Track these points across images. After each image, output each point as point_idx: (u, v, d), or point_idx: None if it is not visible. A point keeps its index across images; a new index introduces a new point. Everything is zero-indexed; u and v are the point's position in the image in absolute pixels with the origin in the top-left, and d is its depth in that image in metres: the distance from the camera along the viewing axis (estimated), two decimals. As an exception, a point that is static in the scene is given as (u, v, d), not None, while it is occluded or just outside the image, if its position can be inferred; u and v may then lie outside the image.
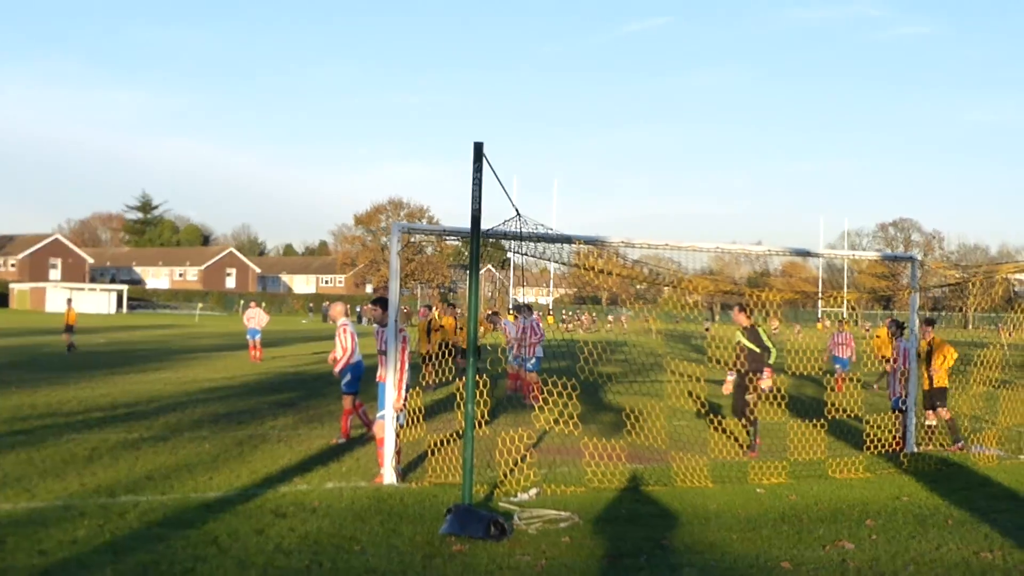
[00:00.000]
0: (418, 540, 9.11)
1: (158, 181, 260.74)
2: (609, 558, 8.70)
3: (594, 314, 76.61)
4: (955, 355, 16.23)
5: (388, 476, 11.90)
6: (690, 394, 18.01)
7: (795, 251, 15.08)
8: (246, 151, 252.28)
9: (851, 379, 26.48)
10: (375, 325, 13.11)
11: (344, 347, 15.62)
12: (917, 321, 15.72)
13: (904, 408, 15.63)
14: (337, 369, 15.69)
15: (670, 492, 11.83)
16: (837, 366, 27.07)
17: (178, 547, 8.59)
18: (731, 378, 15.83)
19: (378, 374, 12.51)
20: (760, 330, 15.69)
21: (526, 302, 26.37)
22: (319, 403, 20.31)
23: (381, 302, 12.77)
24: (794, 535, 9.77)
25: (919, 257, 16.24)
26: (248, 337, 34.59)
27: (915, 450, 15.19)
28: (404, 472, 12.40)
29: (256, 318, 34.85)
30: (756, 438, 15.30)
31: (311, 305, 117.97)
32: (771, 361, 15.54)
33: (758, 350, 15.56)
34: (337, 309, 16.21)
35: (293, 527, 9.42)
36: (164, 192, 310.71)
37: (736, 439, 15.81)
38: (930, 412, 16.29)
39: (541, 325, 22.38)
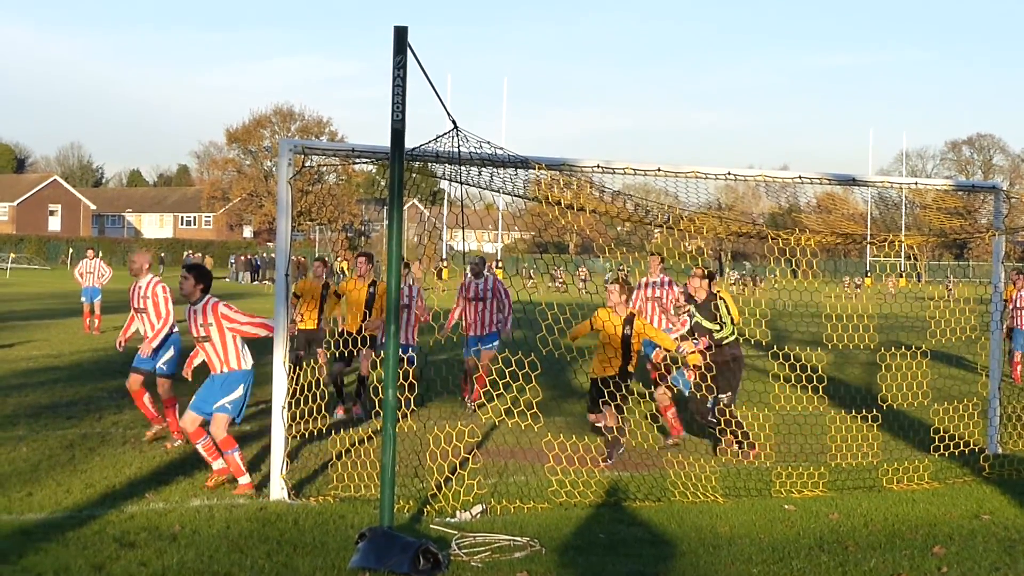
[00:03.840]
0: (319, 578, 9.09)
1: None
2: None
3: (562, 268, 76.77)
4: None
5: (276, 489, 11.87)
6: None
7: (835, 178, 15.11)
8: (74, 40, 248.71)
9: None
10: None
11: (161, 313, 16.19)
12: (1002, 274, 15.83)
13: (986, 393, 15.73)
14: (153, 344, 16.05)
15: (665, 510, 11.93)
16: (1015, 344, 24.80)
17: (-16, 591, 8.53)
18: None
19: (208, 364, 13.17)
20: (724, 302, 15.34)
21: (468, 251, 25.33)
22: (180, 390, 20.13)
23: (195, 271, 12.91)
24: (836, 568, 9.86)
25: (1004, 186, 16.35)
26: (83, 300, 34.19)
27: (999, 451, 15.35)
28: (299, 484, 12.37)
29: (95, 273, 34.46)
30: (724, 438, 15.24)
31: (163, 256, 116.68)
32: (721, 336, 15.20)
33: (707, 326, 15.30)
34: (144, 259, 16.31)
35: (146, 561, 9.37)
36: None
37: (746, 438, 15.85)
38: None
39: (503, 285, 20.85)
